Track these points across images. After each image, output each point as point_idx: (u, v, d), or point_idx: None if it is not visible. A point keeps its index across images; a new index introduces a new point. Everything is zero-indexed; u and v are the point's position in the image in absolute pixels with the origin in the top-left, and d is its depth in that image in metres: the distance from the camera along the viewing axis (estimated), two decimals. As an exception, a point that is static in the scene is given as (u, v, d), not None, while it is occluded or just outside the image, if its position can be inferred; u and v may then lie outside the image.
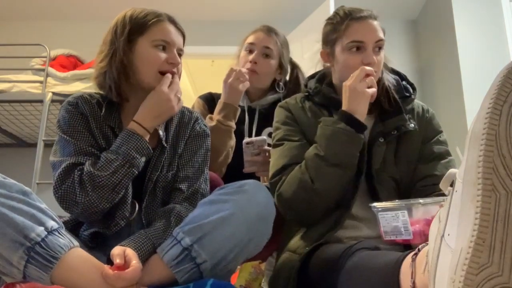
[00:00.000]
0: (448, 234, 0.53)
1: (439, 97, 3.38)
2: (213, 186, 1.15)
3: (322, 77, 1.28)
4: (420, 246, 0.65)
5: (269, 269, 1.40)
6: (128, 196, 1.04)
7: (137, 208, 1.06)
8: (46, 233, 0.81)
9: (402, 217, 0.88)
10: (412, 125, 1.16)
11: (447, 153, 1.16)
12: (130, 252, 0.87)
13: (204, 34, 3.63)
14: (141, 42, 1.08)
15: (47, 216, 0.84)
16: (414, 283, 0.62)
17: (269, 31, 1.60)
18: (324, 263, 0.92)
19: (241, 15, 3.71)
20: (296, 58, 1.75)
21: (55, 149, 1.06)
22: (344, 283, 0.80)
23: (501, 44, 3.04)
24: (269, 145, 1.39)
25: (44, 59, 2.94)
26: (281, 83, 1.62)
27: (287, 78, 1.67)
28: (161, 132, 1.13)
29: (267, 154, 1.39)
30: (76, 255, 0.84)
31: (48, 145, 2.72)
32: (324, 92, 1.21)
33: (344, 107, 1.09)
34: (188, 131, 1.18)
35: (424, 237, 0.84)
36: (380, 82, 1.19)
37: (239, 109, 1.48)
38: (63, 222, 0.89)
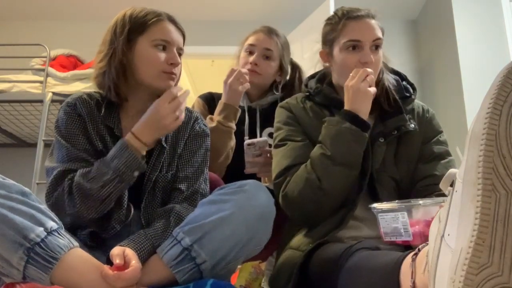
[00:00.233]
0: (448, 234, 0.53)
1: (439, 97, 3.38)
2: (213, 186, 1.15)
3: (322, 77, 1.28)
4: (420, 246, 0.65)
5: (269, 269, 1.40)
6: (124, 200, 1.04)
7: (132, 211, 1.06)
8: (45, 233, 0.81)
9: (402, 219, 0.88)
10: (412, 125, 1.16)
11: (447, 153, 1.16)
12: (130, 252, 0.87)
13: (204, 34, 3.63)
14: (141, 42, 1.07)
15: (47, 216, 0.84)
16: (414, 283, 0.62)
17: (270, 32, 1.57)
18: (324, 262, 0.92)
19: (241, 15, 3.71)
20: (296, 58, 1.74)
21: (50, 152, 1.07)
22: (344, 283, 0.80)
23: (501, 44, 3.04)
24: (270, 145, 1.38)
25: (44, 59, 2.93)
26: (279, 85, 1.61)
27: (287, 78, 1.66)
28: (160, 132, 1.12)
29: (268, 155, 1.39)
30: (75, 256, 0.84)
31: (48, 145, 2.70)
32: (325, 92, 1.21)
33: (347, 106, 1.09)
34: (188, 130, 1.17)
35: (424, 238, 0.84)
36: (380, 82, 1.19)
37: (240, 110, 1.48)
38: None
